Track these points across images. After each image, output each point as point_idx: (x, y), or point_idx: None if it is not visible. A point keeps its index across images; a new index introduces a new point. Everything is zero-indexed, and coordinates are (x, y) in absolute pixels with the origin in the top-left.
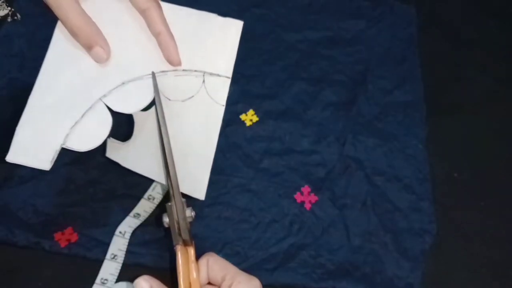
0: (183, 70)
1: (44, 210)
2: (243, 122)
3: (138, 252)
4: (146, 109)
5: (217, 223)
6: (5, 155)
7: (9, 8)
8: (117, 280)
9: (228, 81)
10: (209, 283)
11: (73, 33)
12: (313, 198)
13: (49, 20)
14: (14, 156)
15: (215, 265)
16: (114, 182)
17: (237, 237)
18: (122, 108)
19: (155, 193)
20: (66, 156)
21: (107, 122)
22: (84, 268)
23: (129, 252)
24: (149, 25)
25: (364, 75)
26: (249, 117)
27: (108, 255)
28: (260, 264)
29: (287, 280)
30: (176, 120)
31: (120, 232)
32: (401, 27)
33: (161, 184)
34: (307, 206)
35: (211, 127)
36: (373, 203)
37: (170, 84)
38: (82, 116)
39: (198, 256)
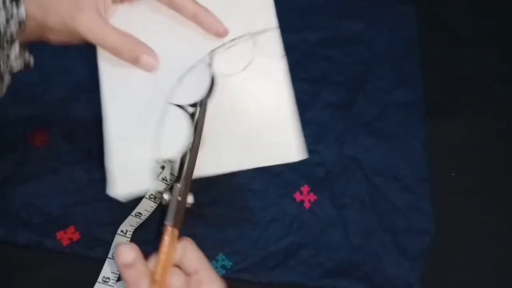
0: (231, 40)
1: (46, 210)
2: None
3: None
4: None
5: (217, 223)
6: (2, 148)
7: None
8: (119, 279)
9: (277, 31)
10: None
11: (116, 53)
12: (313, 197)
13: None
14: (115, 191)
15: (192, 255)
16: None
17: (237, 236)
18: (188, 100)
19: (156, 192)
20: (67, 156)
21: (185, 121)
22: (86, 266)
23: None
24: (182, 11)
25: (364, 75)
26: None
27: (110, 254)
28: (260, 262)
29: (287, 279)
30: (242, 92)
31: (122, 231)
32: (401, 27)
33: (163, 184)
34: (307, 205)
35: (279, 84)
36: (372, 202)
37: (223, 60)
38: (159, 126)
39: None
